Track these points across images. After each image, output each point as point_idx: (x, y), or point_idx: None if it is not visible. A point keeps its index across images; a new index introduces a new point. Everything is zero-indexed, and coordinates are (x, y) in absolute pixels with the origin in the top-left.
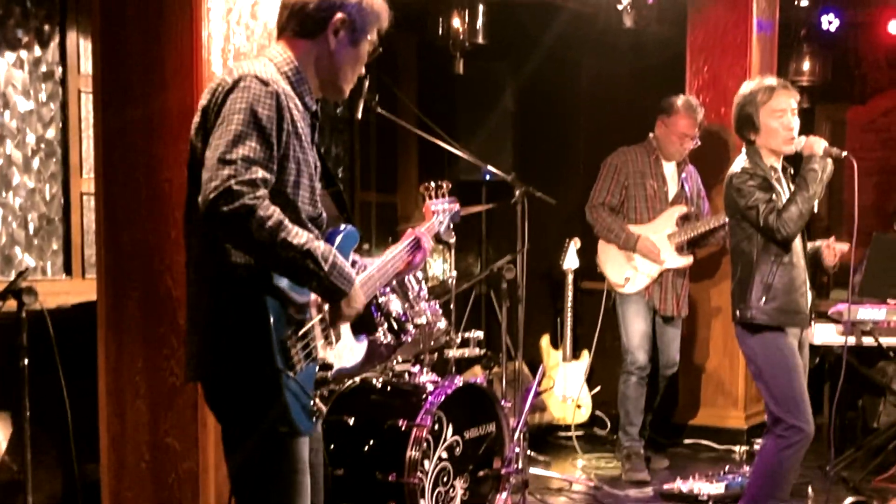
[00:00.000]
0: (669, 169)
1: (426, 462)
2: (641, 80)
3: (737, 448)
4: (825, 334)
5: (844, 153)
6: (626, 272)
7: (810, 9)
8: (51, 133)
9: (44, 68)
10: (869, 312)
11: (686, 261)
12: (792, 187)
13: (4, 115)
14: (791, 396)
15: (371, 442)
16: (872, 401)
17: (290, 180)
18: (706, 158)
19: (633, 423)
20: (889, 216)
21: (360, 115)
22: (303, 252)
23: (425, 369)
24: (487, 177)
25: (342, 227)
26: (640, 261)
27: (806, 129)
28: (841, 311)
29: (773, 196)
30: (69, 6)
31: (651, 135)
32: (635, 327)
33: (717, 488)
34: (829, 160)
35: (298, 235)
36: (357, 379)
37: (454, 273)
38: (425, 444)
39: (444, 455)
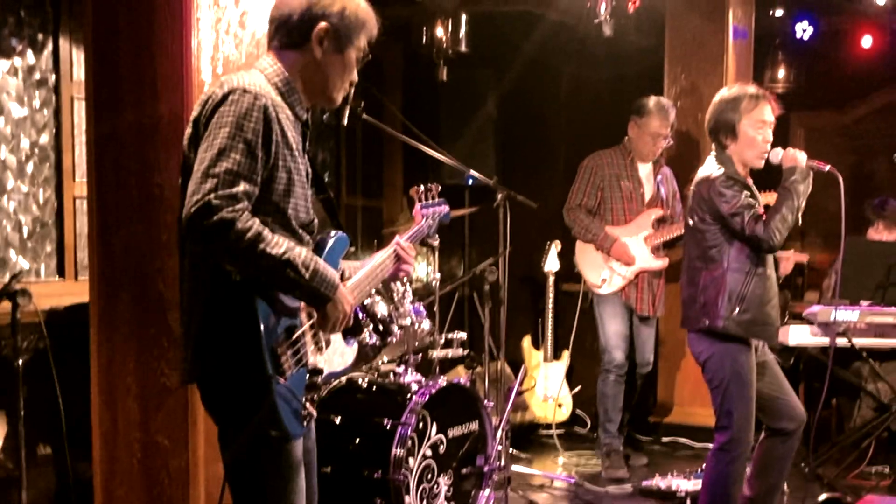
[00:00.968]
0: (645, 171)
1: (411, 459)
2: (620, 88)
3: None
4: (800, 335)
5: (828, 167)
6: (602, 273)
7: (785, 18)
8: (44, 139)
9: (37, 76)
10: (843, 314)
11: (661, 262)
12: (760, 199)
13: None
14: (740, 409)
15: (357, 440)
16: (847, 400)
17: (279, 189)
18: (682, 163)
19: (612, 420)
20: (861, 220)
21: (346, 122)
22: (282, 262)
23: (410, 369)
24: (470, 181)
25: (332, 233)
26: (616, 262)
27: (781, 136)
28: (815, 313)
29: (757, 205)
30: (62, 15)
31: (626, 138)
32: (612, 327)
33: (695, 485)
34: (810, 172)
35: (278, 245)
36: (343, 379)
37: (438, 275)
38: (410, 443)
39: (429, 453)
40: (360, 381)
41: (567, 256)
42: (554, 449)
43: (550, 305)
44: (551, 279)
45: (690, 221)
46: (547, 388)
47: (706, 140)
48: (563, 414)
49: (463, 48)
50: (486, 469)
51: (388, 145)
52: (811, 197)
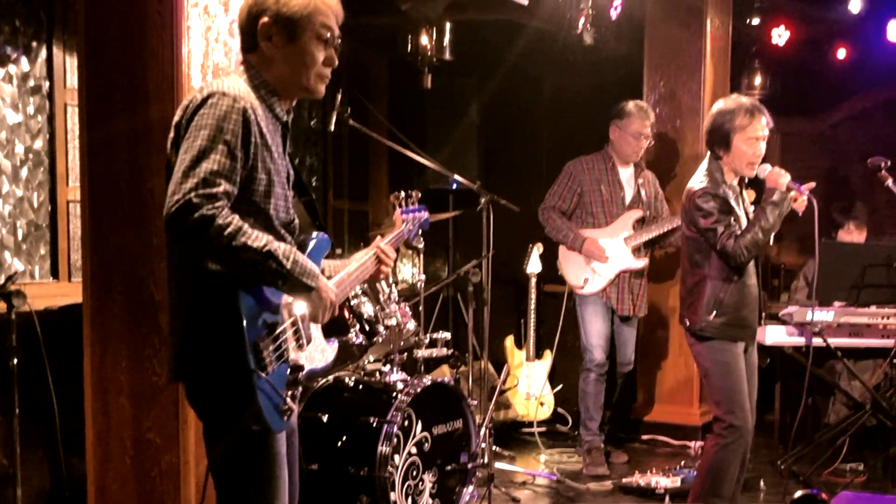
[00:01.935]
0: (626, 175)
1: (396, 457)
2: (600, 95)
3: (692, 444)
4: (776, 335)
5: (806, 193)
6: (584, 274)
7: (762, 26)
8: (38, 144)
9: (32, 83)
10: (817, 314)
11: (642, 263)
12: (745, 205)
13: None
14: (732, 398)
15: (344, 438)
16: (822, 398)
17: (260, 190)
18: (661, 169)
19: (593, 418)
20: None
21: (333, 128)
22: (263, 253)
23: (395, 368)
24: (454, 185)
25: (314, 234)
26: (597, 263)
27: None
28: (791, 313)
29: (732, 220)
30: (56, 24)
31: (608, 143)
32: (594, 327)
33: (674, 482)
34: (791, 195)
35: (258, 239)
36: (330, 378)
37: (423, 277)
38: (395, 440)
39: (414, 450)
40: (346, 379)
41: (548, 258)
42: (536, 446)
43: (533, 306)
44: (533, 280)
45: (683, 226)
46: (529, 387)
47: (684, 145)
48: (545, 412)
49: (447, 56)
50: (469, 466)
51: (375, 150)
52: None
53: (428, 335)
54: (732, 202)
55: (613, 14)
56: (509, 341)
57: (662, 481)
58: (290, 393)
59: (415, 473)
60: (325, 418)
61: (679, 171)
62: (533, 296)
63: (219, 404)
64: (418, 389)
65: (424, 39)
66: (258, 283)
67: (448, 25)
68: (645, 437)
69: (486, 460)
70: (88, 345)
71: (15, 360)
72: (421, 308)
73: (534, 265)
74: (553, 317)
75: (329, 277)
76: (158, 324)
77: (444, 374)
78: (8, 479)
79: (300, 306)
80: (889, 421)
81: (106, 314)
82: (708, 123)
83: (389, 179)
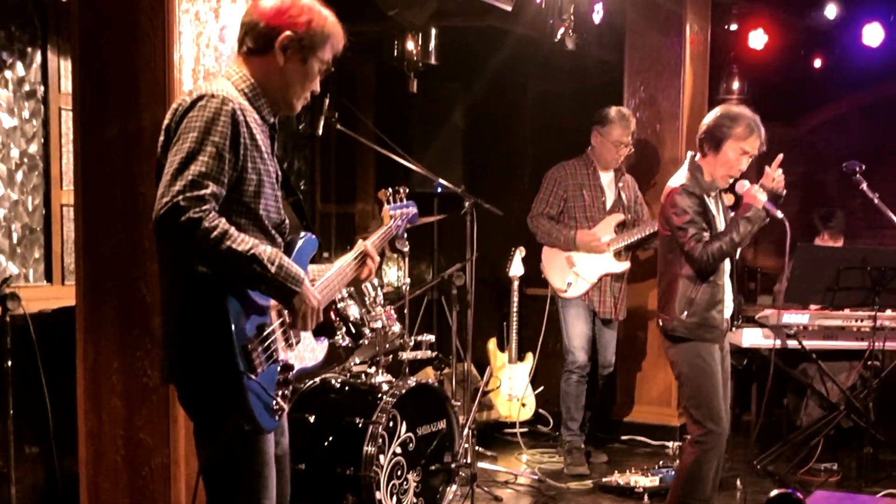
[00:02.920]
0: (606, 179)
1: (381, 457)
2: (583, 100)
3: (670, 444)
4: (753, 337)
5: (781, 215)
6: (567, 278)
7: (739, 32)
8: (33, 148)
9: (27, 87)
10: (793, 317)
11: (624, 266)
12: (723, 207)
13: None
14: (708, 403)
15: (330, 438)
16: (796, 399)
17: (250, 190)
18: (641, 172)
19: (574, 418)
20: (812, 227)
21: (320, 132)
22: (248, 257)
23: (381, 370)
24: (439, 189)
25: (302, 234)
26: (580, 267)
27: None
28: (767, 316)
29: (704, 224)
30: (50, 30)
31: (589, 147)
32: (576, 329)
33: (652, 481)
34: (764, 213)
35: (244, 242)
36: (317, 379)
37: (408, 280)
38: (381, 440)
39: (399, 450)
40: (333, 381)
41: (531, 262)
42: (518, 447)
43: (515, 309)
44: (516, 284)
45: (658, 225)
46: (511, 388)
47: (664, 149)
48: (527, 413)
49: (432, 61)
50: (453, 466)
51: (361, 154)
52: None
53: (413, 338)
54: (710, 202)
55: (596, 19)
56: (492, 344)
57: (641, 480)
58: (280, 392)
59: (399, 473)
60: (311, 419)
61: (659, 175)
62: (515, 299)
63: (210, 405)
64: (403, 391)
65: (410, 45)
66: (243, 286)
67: (433, 31)
68: (624, 437)
69: (469, 460)
70: (81, 346)
71: (9, 362)
72: (406, 311)
73: (516, 269)
74: (535, 319)
75: (313, 281)
76: (150, 326)
77: (429, 375)
78: (2, 477)
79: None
80: (863, 422)
81: (98, 317)
82: (709, 120)
83: (376, 183)
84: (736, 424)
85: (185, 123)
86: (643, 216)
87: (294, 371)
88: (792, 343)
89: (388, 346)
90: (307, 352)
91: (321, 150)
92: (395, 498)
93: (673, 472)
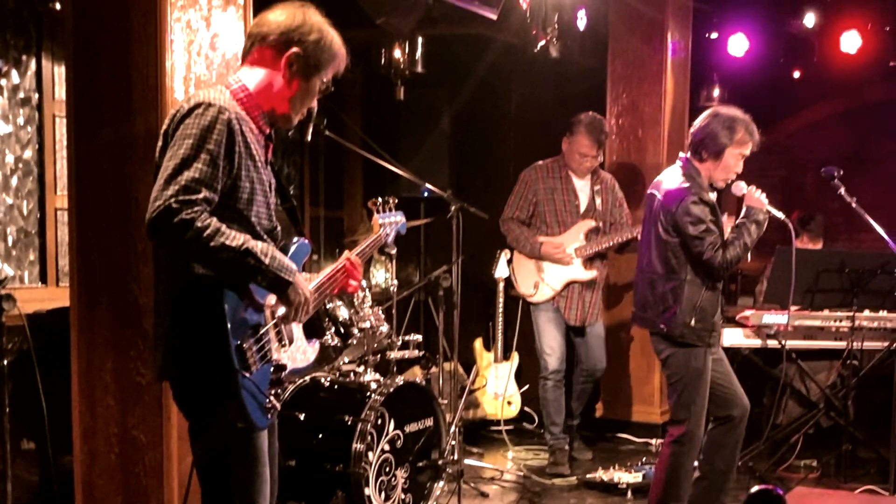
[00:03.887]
0: (580, 182)
1: (370, 454)
2: (566, 106)
3: (653, 441)
4: (733, 337)
5: (783, 216)
6: (533, 283)
7: (719, 40)
8: (28, 154)
9: (21, 94)
10: (773, 317)
11: (590, 274)
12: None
13: None
14: (696, 404)
15: (320, 435)
16: (776, 398)
17: (243, 198)
18: (623, 177)
19: (555, 422)
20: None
21: (309, 138)
22: (242, 251)
23: (369, 369)
24: (426, 194)
25: (295, 239)
26: (546, 273)
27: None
28: (748, 316)
29: (718, 232)
30: (45, 37)
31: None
32: (547, 334)
33: (635, 478)
34: (768, 216)
35: (236, 238)
36: (307, 378)
37: (395, 282)
38: (369, 438)
39: (387, 447)
40: (322, 380)
41: None
42: (504, 444)
43: (500, 310)
44: (501, 285)
45: (655, 228)
46: (497, 387)
47: (646, 154)
48: (513, 411)
49: (419, 69)
50: (440, 463)
51: (349, 160)
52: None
53: (400, 337)
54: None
55: (581, 25)
56: (478, 343)
57: (625, 477)
58: (273, 391)
59: (388, 469)
60: (302, 417)
61: (641, 180)
62: (501, 300)
63: (205, 403)
64: (391, 389)
65: (397, 53)
66: (239, 281)
67: (420, 39)
68: (608, 434)
69: (455, 457)
70: (76, 347)
71: (5, 362)
72: (394, 311)
73: (501, 270)
74: (520, 320)
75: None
76: (143, 327)
77: (416, 374)
78: None
79: (282, 308)
80: (841, 420)
81: (92, 317)
82: (704, 127)
83: (364, 188)
84: None
85: (182, 130)
86: (622, 219)
87: (286, 371)
88: (772, 343)
89: (376, 345)
90: (299, 353)
91: (310, 156)
92: (383, 494)
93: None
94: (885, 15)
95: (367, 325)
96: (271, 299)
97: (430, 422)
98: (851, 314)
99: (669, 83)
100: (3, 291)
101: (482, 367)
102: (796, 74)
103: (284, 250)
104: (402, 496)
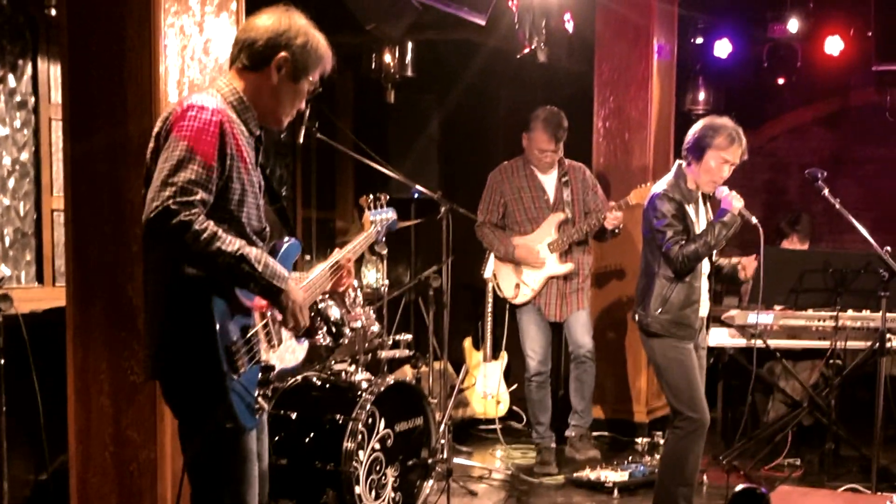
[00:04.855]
0: (547, 177)
1: (361, 452)
2: None
3: (639, 440)
4: (719, 337)
5: (755, 220)
6: (514, 284)
7: (704, 45)
8: (24, 156)
9: (18, 98)
10: (760, 317)
11: (566, 267)
12: (703, 211)
13: None
14: (686, 390)
15: (311, 434)
16: (761, 397)
17: (234, 199)
18: (609, 180)
19: (541, 422)
20: (775, 231)
21: (301, 140)
22: (236, 257)
23: (360, 368)
24: (416, 195)
25: (286, 239)
26: (525, 274)
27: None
28: (733, 316)
29: (682, 228)
30: (41, 42)
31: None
32: (529, 335)
33: (622, 476)
34: (739, 219)
35: (231, 243)
36: (299, 377)
37: (386, 282)
38: (360, 437)
39: (377, 446)
40: (314, 379)
41: None
42: (493, 442)
43: (489, 309)
44: (490, 285)
45: (642, 228)
46: (486, 386)
47: (632, 157)
48: (501, 410)
49: (409, 73)
50: (430, 461)
51: (341, 162)
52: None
53: (391, 337)
54: (690, 209)
55: (570, 28)
56: (467, 343)
57: (611, 475)
58: (261, 392)
59: (378, 468)
60: (293, 416)
61: (627, 183)
62: (490, 300)
63: (194, 404)
64: (381, 388)
65: (388, 57)
66: (232, 285)
67: (410, 44)
68: (595, 433)
69: (445, 455)
70: (71, 346)
71: (1, 361)
72: (384, 311)
73: (490, 271)
74: (509, 320)
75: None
76: (136, 327)
77: (406, 374)
78: None
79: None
80: (825, 418)
81: (87, 317)
82: (694, 131)
83: (355, 189)
84: None
85: (176, 132)
86: (597, 206)
87: (275, 372)
88: (756, 342)
89: (367, 345)
90: (288, 352)
91: (302, 158)
92: (374, 492)
93: (642, 468)
94: (867, 20)
95: (358, 324)
96: (262, 300)
97: (419, 421)
98: (835, 314)
99: (655, 87)
100: (0, 291)
101: (471, 367)
102: (780, 79)
103: (275, 250)
104: (392, 494)
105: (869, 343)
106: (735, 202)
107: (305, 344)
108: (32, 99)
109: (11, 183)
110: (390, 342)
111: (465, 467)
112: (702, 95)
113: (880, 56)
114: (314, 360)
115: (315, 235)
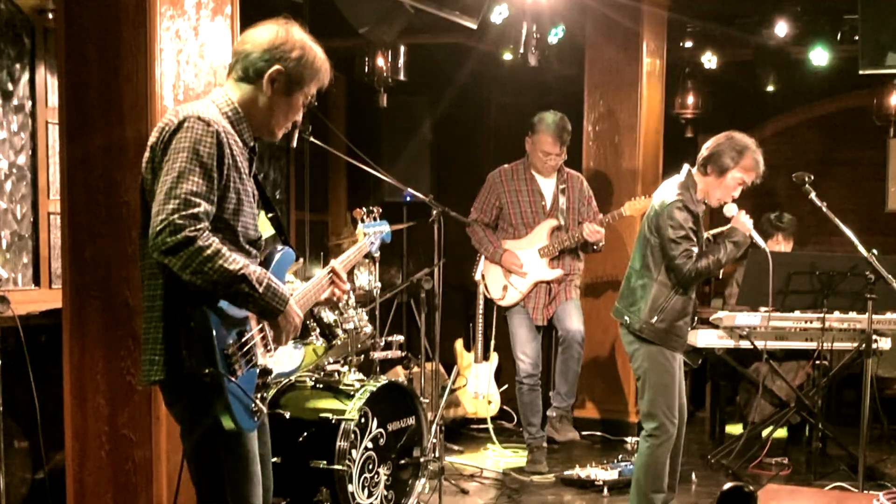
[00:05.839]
0: (545, 182)
1: (354, 451)
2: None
3: (629, 439)
4: (707, 338)
5: (763, 244)
6: (502, 286)
7: (694, 49)
8: (21, 159)
9: (15, 102)
10: (745, 318)
11: (555, 273)
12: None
13: None
14: (664, 398)
15: (305, 433)
16: (748, 397)
17: (230, 208)
18: (599, 183)
19: (532, 423)
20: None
21: (295, 144)
22: (238, 277)
23: (353, 369)
24: (408, 198)
25: (279, 248)
26: (514, 277)
27: (691, 156)
28: (721, 318)
29: (695, 240)
30: (38, 47)
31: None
32: (519, 337)
33: (611, 475)
34: (749, 240)
35: (235, 262)
36: (293, 378)
37: (378, 284)
38: (353, 436)
39: (370, 445)
40: (307, 379)
41: None
42: (484, 442)
43: (480, 311)
44: (481, 287)
45: (644, 226)
46: (477, 386)
47: (622, 160)
48: (492, 410)
49: (401, 77)
50: (421, 460)
51: (334, 165)
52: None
53: (383, 338)
54: (699, 218)
55: (559, 34)
56: (459, 344)
57: (601, 474)
58: (259, 395)
59: (371, 467)
60: (287, 415)
61: (617, 185)
62: (481, 302)
63: (192, 408)
64: (374, 389)
65: (380, 61)
66: (229, 302)
67: (402, 48)
68: (584, 432)
69: (436, 454)
70: (67, 347)
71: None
72: (377, 313)
73: (480, 272)
74: (500, 321)
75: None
76: (132, 328)
77: (398, 374)
78: None
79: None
80: (811, 418)
81: (84, 319)
82: (715, 144)
83: (348, 192)
84: (691, 420)
85: (174, 144)
86: (591, 216)
87: (272, 375)
88: (744, 343)
89: (359, 346)
90: (285, 357)
91: (295, 161)
92: (366, 491)
93: (631, 466)
94: (853, 25)
95: (350, 326)
96: None
97: (411, 420)
98: (822, 315)
99: (645, 91)
100: None
101: (463, 367)
102: (768, 83)
103: (269, 258)
104: (385, 493)
105: (855, 344)
106: (747, 223)
107: (302, 350)
108: (29, 103)
109: (9, 186)
110: (382, 343)
111: (457, 466)
112: (691, 99)
113: (866, 61)
114: (308, 361)
115: (308, 237)
